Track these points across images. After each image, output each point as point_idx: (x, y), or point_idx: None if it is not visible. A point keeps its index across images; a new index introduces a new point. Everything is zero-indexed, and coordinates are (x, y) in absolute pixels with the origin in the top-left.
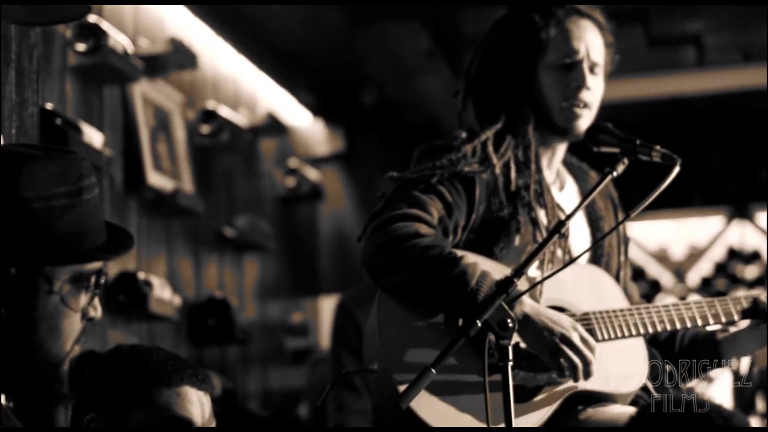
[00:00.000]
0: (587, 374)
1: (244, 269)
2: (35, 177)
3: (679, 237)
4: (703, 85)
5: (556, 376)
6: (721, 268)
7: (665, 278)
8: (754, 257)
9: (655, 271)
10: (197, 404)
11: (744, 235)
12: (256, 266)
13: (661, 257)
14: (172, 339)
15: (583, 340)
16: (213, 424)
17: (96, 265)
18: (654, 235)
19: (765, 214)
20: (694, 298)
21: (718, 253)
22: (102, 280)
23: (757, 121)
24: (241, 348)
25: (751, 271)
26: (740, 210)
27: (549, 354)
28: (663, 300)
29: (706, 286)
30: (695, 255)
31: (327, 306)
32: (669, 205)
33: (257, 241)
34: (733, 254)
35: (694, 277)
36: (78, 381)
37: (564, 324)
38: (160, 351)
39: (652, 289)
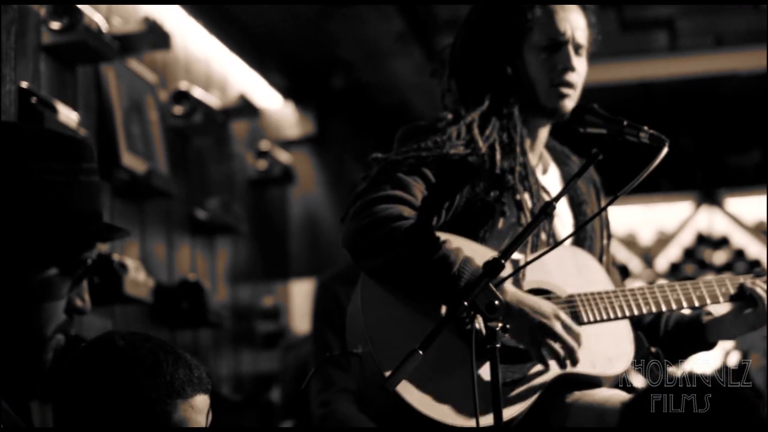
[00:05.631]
0: (573, 361)
1: (216, 252)
2: (30, 149)
3: (647, 222)
4: (673, 69)
5: (539, 365)
6: (689, 254)
7: (633, 263)
8: (722, 243)
9: (623, 256)
10: (206, 410)
11: (712, 220)
12: (227, 249)
13: (630, 242)
14: (146, 322)
15: (566, 327)
16: None
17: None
18: (622, 221)
19: (733, 199)
20: (662, 283)
21: (686, 239)
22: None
23: (726, 106)
24: (213, 331)
25: (719, 257)
26: (709, 195)
27: (531, 344)
28: (631, 285)
29: (674, 272)
30: (664, 240)
31: (298, 289)
32: (637, 190)
33: (229, 223)
34: (702, 240)
35: (662, 262)
36: (62, 372)
37: (546, 312)
38: (163, 350)
39: (620, 275)
